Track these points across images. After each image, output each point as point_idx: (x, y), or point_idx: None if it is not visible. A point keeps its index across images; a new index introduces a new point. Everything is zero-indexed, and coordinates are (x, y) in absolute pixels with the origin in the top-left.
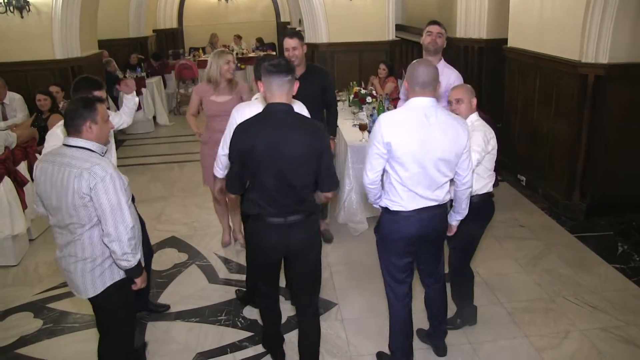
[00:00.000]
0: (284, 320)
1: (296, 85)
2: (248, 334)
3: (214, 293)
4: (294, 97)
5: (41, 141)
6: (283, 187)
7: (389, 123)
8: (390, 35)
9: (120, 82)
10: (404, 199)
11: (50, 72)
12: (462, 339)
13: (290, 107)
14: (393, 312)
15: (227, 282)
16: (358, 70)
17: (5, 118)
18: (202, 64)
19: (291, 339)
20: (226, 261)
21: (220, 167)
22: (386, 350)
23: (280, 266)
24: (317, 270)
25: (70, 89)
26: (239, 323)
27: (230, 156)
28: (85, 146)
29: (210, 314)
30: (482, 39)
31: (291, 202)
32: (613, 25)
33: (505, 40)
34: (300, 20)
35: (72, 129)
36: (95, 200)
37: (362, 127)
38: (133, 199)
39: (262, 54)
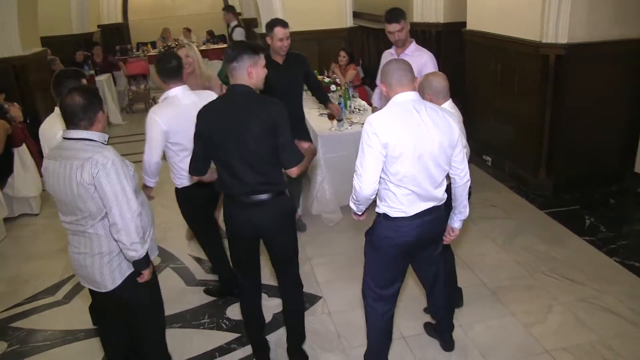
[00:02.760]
0: (269, 318)
1: (255, 69)
2: (235, 335)
3: (193, 296)
4: (272, 85)
5: None
6: (243, 165)
7: (381, 123)
8: (348, 22)
9: None
10: (405, 203)
11: None
12: None
13: (247, 88)
14: (370, 323)
15: (205, 283)
16: (317, 58)
17: None
18: (153, 59)
19: (281, 338)
20: (200, 261)
21: (150, 175)
22: None
23: (257, 252)
24: (291, 248)
25: (14, 90)
26: (223, 325)
27: (194, 139)
28: (87, 137)
29: (193, 318)
30: (440, 23)
31: (254, 181)
32: (570, 6)
33: (463, 24)
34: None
35: (85, 122)
36: (98, 189)
37: (331, 116)
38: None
39: (213, 46)
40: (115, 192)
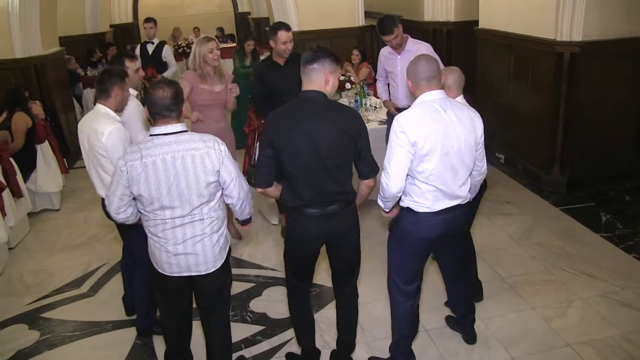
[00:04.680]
0: None
1: (332, 77)
2: (259, 327)
3: None
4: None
5: None
6: (322, 173)
7: (410, 123)
8: (360, 21)
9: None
10: (430, 199)
11: (10, 72)
12: None
13: (322, 94)
14: (396, 316)
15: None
16: None
17: None
18: None
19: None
20: None
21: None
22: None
23: (317, 259)
24: (356, 257)
25: (34, 89)
26: (248, 318)
27: (262, 146)
28: (184, 129)
29: None
30: (450, 21)
31: (332, 189)
32: (585, 5)
33: (473, 22)
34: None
35: (177, 113)
36: (225, 171)
37: None
38: None
39: (222, 45)
40: (237, 169)
